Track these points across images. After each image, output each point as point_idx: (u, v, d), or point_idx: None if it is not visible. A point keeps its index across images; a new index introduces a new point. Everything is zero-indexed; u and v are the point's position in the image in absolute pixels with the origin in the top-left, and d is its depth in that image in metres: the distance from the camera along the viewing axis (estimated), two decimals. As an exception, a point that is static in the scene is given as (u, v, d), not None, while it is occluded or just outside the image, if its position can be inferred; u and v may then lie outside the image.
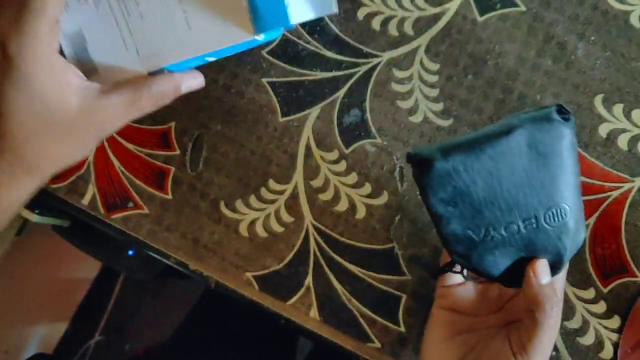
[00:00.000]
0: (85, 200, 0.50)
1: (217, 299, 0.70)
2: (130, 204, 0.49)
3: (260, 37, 0.37)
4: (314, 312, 0.47)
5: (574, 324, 0.44)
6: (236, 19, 0.35)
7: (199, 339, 0.68)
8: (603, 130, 0.46)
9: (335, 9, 0.41)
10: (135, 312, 1.18)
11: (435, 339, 0.39)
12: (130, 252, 0.72)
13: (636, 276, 0.44)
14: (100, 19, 0.37)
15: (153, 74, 0.38)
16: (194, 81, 0.40)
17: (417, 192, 0.46)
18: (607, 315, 0.44)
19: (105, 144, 0.50)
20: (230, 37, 0.35)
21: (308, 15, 0.39)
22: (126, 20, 0.37)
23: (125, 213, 0.49)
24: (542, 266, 0.34)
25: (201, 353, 0.66)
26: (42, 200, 0.51)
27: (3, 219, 0.38)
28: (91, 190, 0.50)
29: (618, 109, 0.46)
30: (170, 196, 0.49)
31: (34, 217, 0.78)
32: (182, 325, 0.74)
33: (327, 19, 0.50)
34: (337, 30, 0.50)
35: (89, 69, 0.38)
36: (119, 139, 0.50)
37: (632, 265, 0.44)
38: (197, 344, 0.67)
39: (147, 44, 0.37)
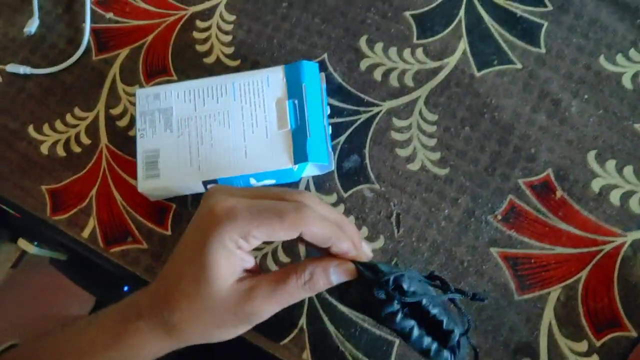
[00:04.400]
0: (85, 233, 0.50)
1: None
2: (130, 239, 0.50)
3: (295, 168, 0.46)
4: (306, 354, 0.46)
5: (567, 377, 0.44)
6: (281, 154, 0.46)
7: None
8: (596, 185, 0.47)
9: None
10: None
11: None
12: (126, 288, 0.72)
13: (629, 330, 0.44)
14: (177, 143, 0.48)
15: (205, 183, 0.47)
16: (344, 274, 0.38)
17: (413, 238, 0.47)
18: (599, 369, 0.43)
19: (109, 178, 0.51)
20: (273, 164, 0.46)
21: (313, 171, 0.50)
22: (198, 147, 0.48)
23: (124, 247, 0.50)
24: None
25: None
26: (41, 233, 0.52)
27: None
28: (91, 223, 0.51)
29: (611, 165, 0.47)
30: (169, 232, 0.50)
31: (32, 249, 0.78)
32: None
33: (331, 69, 0.52)
34: (340, 80, 0.52)
35: (152, 175, 0.48)
36: (123, 174, 0.51)
37: (625, 320, 0.44)
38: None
39: (209, 163, 0.47)
